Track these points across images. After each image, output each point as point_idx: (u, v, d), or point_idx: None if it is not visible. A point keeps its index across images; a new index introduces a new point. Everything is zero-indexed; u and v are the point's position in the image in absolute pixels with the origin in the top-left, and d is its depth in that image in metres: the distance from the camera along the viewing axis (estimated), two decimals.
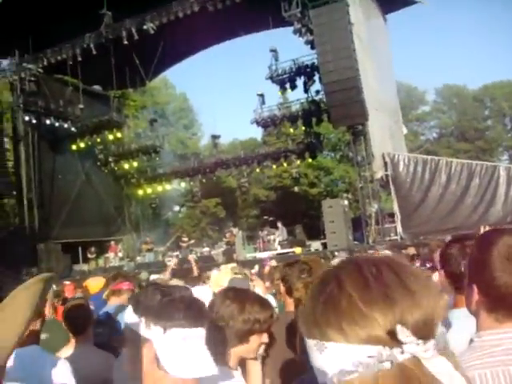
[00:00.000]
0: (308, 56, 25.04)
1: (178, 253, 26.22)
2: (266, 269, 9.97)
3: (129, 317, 1.69)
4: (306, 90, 26.04)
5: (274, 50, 25.97)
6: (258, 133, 43.13)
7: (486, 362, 1.47)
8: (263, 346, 2.52)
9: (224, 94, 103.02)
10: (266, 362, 2.68)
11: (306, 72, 25.52)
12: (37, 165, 26.67)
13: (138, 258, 27.19)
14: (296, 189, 41.09)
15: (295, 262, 3.92)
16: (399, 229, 22.39)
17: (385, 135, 24.30)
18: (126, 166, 29.88)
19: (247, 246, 25.08)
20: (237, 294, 2.57)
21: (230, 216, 43.15)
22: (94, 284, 7.66)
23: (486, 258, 1.57)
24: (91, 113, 28.22)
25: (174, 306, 1.61)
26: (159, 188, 31.17)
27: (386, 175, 23.20)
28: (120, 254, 27.85)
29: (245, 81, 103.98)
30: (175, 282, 6.28)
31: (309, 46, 23.37)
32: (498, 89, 57.32)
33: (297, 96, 27.50)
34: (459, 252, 2.53)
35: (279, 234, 25.33)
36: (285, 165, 29.18)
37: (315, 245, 23.74)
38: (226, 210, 45.50)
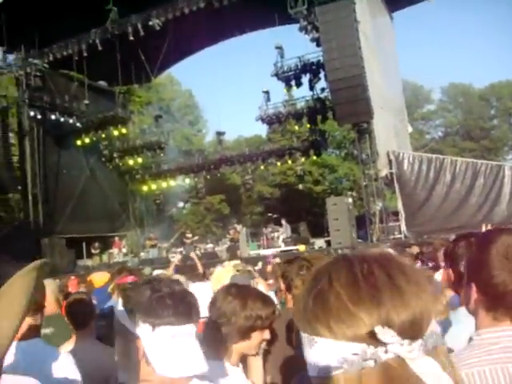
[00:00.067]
0: (313, 53, 25.01)
1: (181, 249, 26.29)
2: (269, 268, 9.97)
3: (119, 311, 1.68)
4: (312, 88, 26.01)
5: (279, 47, 25.94)
6: (262, 130, 43.19)
7: (484, 360, 1.48)
8: (264, 343, 2.52)
9: (229, 90, 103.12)
10: (267, 358, 2.68)
11: (312, 69, 25.48)
12: (42, 160, 26.72)
13: (142, 254, 27.26)
14: (300, 186, 41.13)
15: (294, 258, 3.92)
16: (403, 227, 22.37)
17: (390, 133, 24.27)
18: (131, 161, 29.91)
19: (251, 243, 25.09)
20: (239, 291, 2.57)
21: (234, 213, 43.18)
22: (99, 278, 7.66)
23: (485, 256, 1.58)
24: (96, 108, 28.26)
25: (162, 303, 1.59)
26: (164, 184, 31.19)
27: (391, 173, 23.17)
28: (124, 250, 27.91)
29: (250, 78, 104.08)
30: (177, 277, 6.29)
31: (314, 43, 23.32)
32: (504, 88, 57.11)
33: (302, 93, 27.54)
34: (467, 250, 2.53)
35: (283, 232, 25.34)
36: (289, 162, 29.19)
37: (319, 242, 23.76)
38: (230, 206, 45.54)
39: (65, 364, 2.94)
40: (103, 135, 28.85)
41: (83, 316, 4.11)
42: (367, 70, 21.77)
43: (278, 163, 29.19)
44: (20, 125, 27.07)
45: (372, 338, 0.89)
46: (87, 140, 28.27)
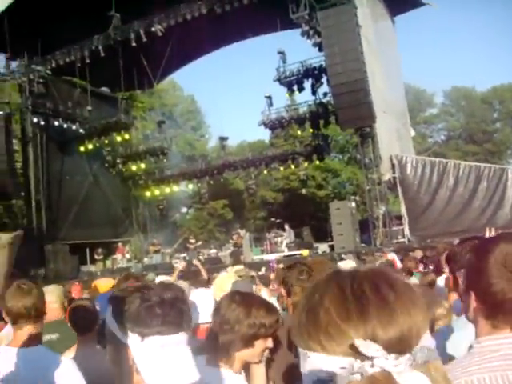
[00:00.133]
0: (316, 58, 25.06)
1: (185, 254, 26.28)
2: (272, 275, 9.95)
3: (109, 319, 1.66)
4: (314, 92, 26.04)
5: (281, 52, 25.99)
6: (265, 135, 43.15)
7: (484, 367, 1.48)
8: (268, 351, 2.52)
9: (232, 95, 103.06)
10: (270, 365, 2.68)
11: (314, 74, 25.51)
12: (45, 166, 26.79)
13: (146, 260, 27.25)
14: (303, 191, 41.07)
15: (295, 264, 3.93)
16: (407, 231, 22.34)
17: (392, 137, 24.26)
18: (134, 167, 29.95)
19: (254, 248, 25.06)
20: (243, 298, 2.57)
21: (237, 218, 43.13)
22: (104, 284, 7.67)
23: (483, 265, 1.58)
24: (99, 114, 28.32)
25: (151, 313, 1.56)
26: (167, 190, 31.20)
27: (394, 177, 23.15)
28: (127, 256, 27.91)
29: (252, 83, 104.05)
30: (181, 284, 6.29)
31: (316, 48, 23.38)
32: (506, 91, 57.05)
33: (304, 98, 27.50)
34: (466, 257, 2.53)
35: (286, 236, 25.32)
36: (292, 167, 29.18)
37: (322, 247, 23.73)
38: (233, 211, 45.51)
39: (68, 370, 2.94)
40: (106, 141, 28.89)
41: (85, 322, 4.12)
42: (369, 74, 21.78)
43: (281, 168, 29.19)
44: (23, 131, 27.16)
45: (359, 352, 0.91)
46: (90, 146, 28.32)
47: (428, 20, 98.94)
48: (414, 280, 7.05)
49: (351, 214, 22.54)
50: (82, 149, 28.34)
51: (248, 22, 25.93)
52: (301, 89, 25.98)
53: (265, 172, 29.74)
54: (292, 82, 25.91)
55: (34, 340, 2.90)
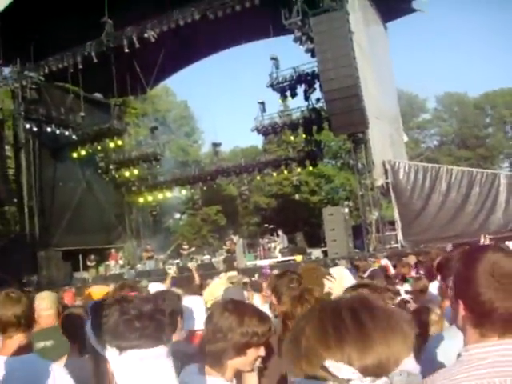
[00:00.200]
0: (308, 64, 25.12)
1: (178, 261, 26.25)
2: (265, 284, 9.94)
3: (89, 331, 1.65)
4: (307, 98, 26.10)
5: (274, 58, 26.03)
6: (258, 140, 43.20)
7: (472, 375, 1.50)
8: (260, 359, 2.52)
9: (225, 101, 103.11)
10: (262, 373, 2.68)
11: (307, 80, 25.57)
12: (38, 172, 26.72)
13: (139, 266, 27.19)
14: (297, 196, 41.12)
15: (285, 272, 3.94)
16: (400, 236, 22.37)
17: (385, 143, 24.32)
18: (127, 173, 29.90)
19: (248, 254, 25.04)
20: (236, 307, 2.57)
21: (230, 224, 43.11)
22: (98, 291, 7.66)
23: (471, 274, 1.60)
24: (92, 120, 28.30)
25: (129, 326, 1.54)
26: (160, 195, 31.17)
27: (387, 183, 23.19)
28: (121, 262, 27.83)
29: (245, 89, 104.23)
30: (175, 291, 6.27)
31: (309, 54, 23.43)
32: (498, 96, 57.34)
33: (297, 104, 27.55)
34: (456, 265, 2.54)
35: (280, 242, 25.33)
36: (285, 172, 29.24)
37: (316, 253, 23.72)
38: (226, 217, 45.49)
39: (60, 378, 2.93)
40: (99, 147, 28.84)
41: (77, 330, 4.11)
42: (362, 80, 21.84)
43: (274, 174, 29.23)
44: (16, 137, 27.09)
45: (335, 376, 0.95)
46: (83, 152, 28.28)
47: (420, 25, 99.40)
48: (406, 286, 7.05)
49: (344, 219, 22.56)
50: (74, 155, 28.29)
51: (241, 28, 26.01)
52: (294, 94, 26.03)
53: (258, 178, 29.79)
54: (285, 88, 25.95)
55: (24, 348, 2.89)
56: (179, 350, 3.12)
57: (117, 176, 30.66)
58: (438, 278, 3.90)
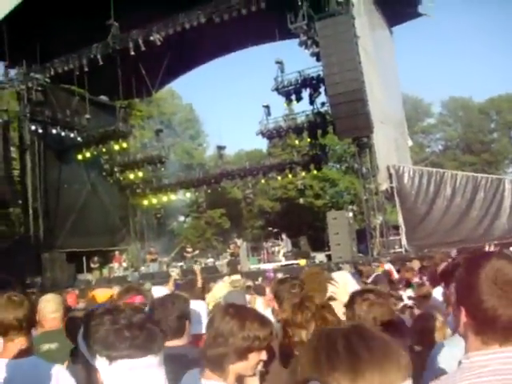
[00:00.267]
0: (314, 68, 25.09)
1: (182, 263, 26.27)
2: (268, 287, 9.95)
3: (80, 340, 1.64)
4: (312, 102, 26.06)
5: (279, 62, 26.02)
6: (263, 144, 43.20)
7: (473, 383, 1.49)
8: (261, 364, 2.51)
9: (230, 105, 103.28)
10: (264, 378, 2.67)
11: (312, 84, 25.55)
12: (42, 174, 26.79)
13: (143, 268, 27.21)
14: (301, 200, 41.10)
15: (287, 278, 3.94)
16: (404, 241, 22.34)
17: (390, 147, 24.31)
18: (132, 176, 29.94)
19: (251, 258, 25.04)
20: (237, 311, 2.56)
21: (234, 227, 43.14)
22: (102, 294, 7.67)
23: (474, 281, 1.59)
24: (97, 123, 28.35)
25: (119, 336, 1.53)
26: (164, 198, 31.21)
27: (391, 187, 23.18)
28: (124, 264, 27.84)
29: (251, 92, 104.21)
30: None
31: (314, 58, 23.41)
32: (504, 102, 57.28)
33: (302, 108, 27.62)
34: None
35: (284, 246, 25.32)
36: (290, 176, 29.25)
37: (320, 257, 23.72)
38: (230, 220, 45.51)
39: (65, 380, 2.93)
40: (104, 149, 28.89)
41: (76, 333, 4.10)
42: (367, 84, 21.82)
43: (279, 177, 29.27)
44: (21, 139, 27.16)
45: None
46: (88, 154, 28.33)
47: (425, 30, 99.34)
48: (409, 292, 7.04)
49: (348, 223, 22.54)
50: (79, 157, 28.34)
51: (246, 32, 26.05)
52: (299, 98, 26.00)
53: (262, 181, 29.78)
54: (290, 92, 25.93)
55: (26, 351, 2.89)
56: (184, 354, 3.11)
57: (121, 178, 30.71)
58: (442, 284, 3.89)
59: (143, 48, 24.49)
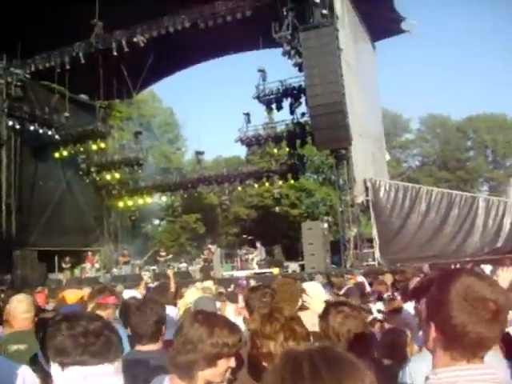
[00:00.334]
0: (295, 78, 25.16)
1: (155, 267, 26.13)
2: (241, 295, 9.94)
3: (37, 346, 1.62)
4: (292, 112, 26.12)
5: (262, 70, 26.05)
6: (242, 151, 43.37)
7: None
8: (230, 370, 2.51)
9: (210, 110, 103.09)
10: None
11: (293, 94, 25.62)
12: (18, 170, 26.45)
13: (115, 270, 27.02)
14: (277, 209, 41.18)
15: (258, 286, 3.94)
16: (377, 254, 22.47)
17: (367, 161, 24.47)
18: (108, 176, 29.75)
19: (225, 264, 25.01)
20: (206, 318, 2.56)
21: (209, 232, 43.05)
22: (72, 295, 7.59)
23: (444, 297, 1.61)
24: (76, 121, 28.13)
25: (73, 342, 1.51)
26: (140, 201, 31.07)
27: (367, 200, 23.32)
28: (97, 265, 27.61)
29: (231, 99, 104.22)
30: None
31: (297, 68, 23.49)
32: (481, 121, 58.13)
33: (282, 117, 27.64)
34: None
35: (257, 254, 25.30)
36: (267, 184, 29.27)
37: (293, 266, 23.71)
38: (205, 226, 45.40)
39: (30, 381, 2.90)
40: (81, 149, 28.68)
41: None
42: (348, 97, 21.96)
43: (256, 185, 29.27)
44: None
45: None
46: (65, 153, 28.09)
47: (407, 46, 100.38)
48: (379, 305, 7.06)
49: (323, 234, 22.60)
50: (56, 155, 28.08)
51: (230, 39, 26.07)
52: (279, 107, 26.05)
53: (239, 188, 29.79)
54: (271, 101, 25.97)
55: None
56: (159, 358, 3.10)
57: (98, 179, 30.47)
58: (414, 300, 3.91)
59: (126, 49, 24.43)
